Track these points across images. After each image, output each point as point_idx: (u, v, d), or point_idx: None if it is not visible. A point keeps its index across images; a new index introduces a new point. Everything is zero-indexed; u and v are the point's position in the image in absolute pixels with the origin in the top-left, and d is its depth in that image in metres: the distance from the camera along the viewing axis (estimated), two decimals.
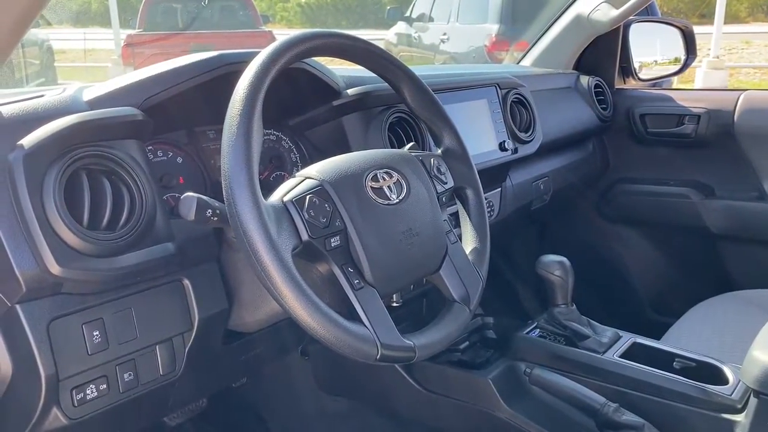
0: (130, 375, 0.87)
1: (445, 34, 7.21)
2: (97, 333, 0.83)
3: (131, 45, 7.11)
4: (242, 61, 0.93)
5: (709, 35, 8.80)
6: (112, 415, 0.88)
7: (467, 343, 1.43)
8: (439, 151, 1.05)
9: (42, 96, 0.89)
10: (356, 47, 0.96)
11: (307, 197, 0.82)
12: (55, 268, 0.75)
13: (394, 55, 1.03)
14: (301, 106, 1.18)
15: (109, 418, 0.89)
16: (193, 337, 0.94)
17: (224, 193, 0.76)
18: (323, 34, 0.92)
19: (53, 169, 0.77)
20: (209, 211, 0.80)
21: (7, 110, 0.81)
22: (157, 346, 0.90)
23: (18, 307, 0.77)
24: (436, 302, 0.98)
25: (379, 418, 1.47)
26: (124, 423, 0.97)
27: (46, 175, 0.77)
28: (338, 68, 1.26)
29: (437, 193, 0.98)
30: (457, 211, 1.07)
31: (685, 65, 2.24)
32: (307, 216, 0.81)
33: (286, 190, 0.84)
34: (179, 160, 1.04)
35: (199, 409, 1.39)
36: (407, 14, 8.25)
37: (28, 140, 0.77)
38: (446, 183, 1.01)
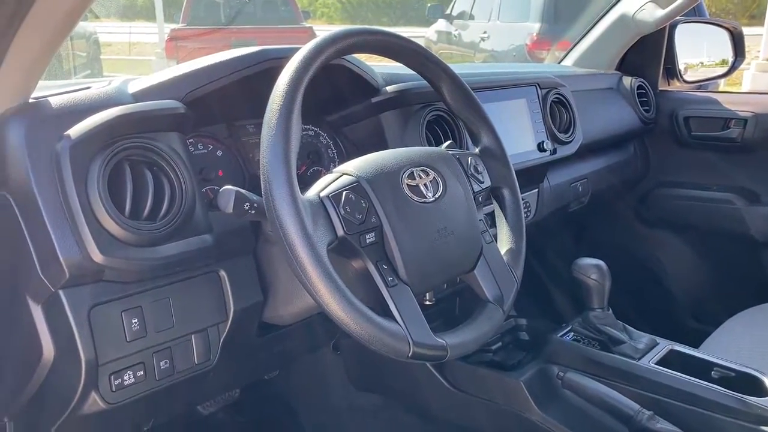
0: (166, 363, 0.89)
1: (485, 32, 7.16)
2: (136, 320, 0.85)
3: (175, 39, 7.23)
4: (283, 56, 0.93)
5: (759, 36, 8.54)
6: (148, 401, 0.90)
7: (500, 344, 1.42)
8: (477, 149, 1.04)
9: (89, 88, 0.91)
10: (396, 44, 0.96)
11: (344, 193, 0.83)
12: (97, 256, 0.77)
13: (434, 53, 1.03)
14: (339, 103, 1.18)
15: (145, 404, 0.91)
16: (228, 328, 0.95)
17: (262, 187, 0.77)
18: (364, 30, 0.92)
19: (98, 160, 0.79)
20: (247, 204, 0.81)
21: (56, 101, 0.84)
22: (192, 336, 0.92)
23: (61, 292, 0.80)
24: (469, 302, 0.97)
25: (408, 416, 1.47)
26: (158, 409, 1.00)
27: (91, 165, 0.78)
28: (376, 65, 1.26)
29: (474, 192, 0.97)
30: (493, 211, 1.06)
31: (733, 67, 2.18)
32: (343, 212, 0.81)
33: (323, 186, 0.84)
34: (219, 153, 1.05)
35: (232, 399, 1.41)
36: (448, 12, 8.21)
37: (75, 131, 0.79)
38: (483, 182, 1.00)
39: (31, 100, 0.83)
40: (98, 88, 0.91)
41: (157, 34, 8.55)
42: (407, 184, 0.89)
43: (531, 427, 1.23)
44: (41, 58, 0.81)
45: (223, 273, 0.95)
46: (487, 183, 1.01)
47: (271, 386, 1.51)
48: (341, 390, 1.52)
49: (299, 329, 1.09)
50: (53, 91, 0.88)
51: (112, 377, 0.85)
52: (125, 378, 0.86)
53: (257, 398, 1.49)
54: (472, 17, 7.69)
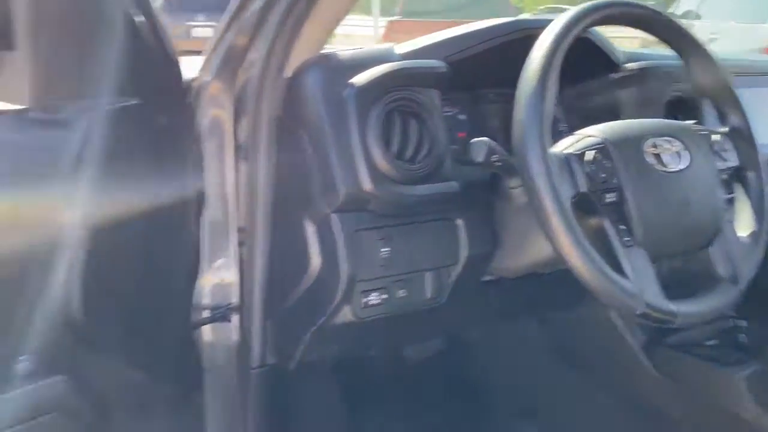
0: (404, 292, 1.00)
1: (713, 33, 6.60)
2: (387, 249, 0.97)
3: (392, 29, 7.64)
4: (539, 26, 1.00)
5: None
6: (385, 324, 1.02)
7: (716, 342, 1.36)
8: (725, 129, 1.02)
9: (361, 48, 1.06)
10: (652, 17, 0.98)
11: (588, 152, 0.87)
12: (368, 187, 0.91)
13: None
14: (578, 76, 1.21)
15: (381, 326, 1.04)
16: (458, 272, 1.04)
17: (514, 140, 0.85)
18: (621, 3, 0.96)
19: (376, 107, 0.92)
20: (495, 156, 0.89)
21: (342, 55, 0.99)
22: (426, 273, 1.02)
23: (333, 215, 0.94)
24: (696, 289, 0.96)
25: (606, 397, 1.47)
26: (389, 335, 1.11)
27: (370, 110, 0.92)
28: None
29: (718, 170, 0.97)
30: (733, 198, 1.04)
31: None
32: (587, 169, 0.86)
33: (567, 144, 0.89)
34: (461, 117, 1.14)
35: (438, 350, 1.51)
36: (670, 11, 7.70)
37: (358, 80, 0.92)
38: (728, 161, 0.98)
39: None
40: (369, 48, 1.05)
41: (371, 27, 9.06)
42: (651, 152, 0.91)
43: (741, 425, 1.18)
44: (333, 21, 0.96)
45: (459, 221, 1.04)
46: (733, 163, 0.99)
47: (472, 348, 1.59)
48: (540, 363, 1.56)
49: (523, 286, 1.15)
50: None
51: (362, 295, 0.97)
52: (371, 298, 0.98)
53: (459, 355, 1.58)
54: (698, 17, 7.13)
